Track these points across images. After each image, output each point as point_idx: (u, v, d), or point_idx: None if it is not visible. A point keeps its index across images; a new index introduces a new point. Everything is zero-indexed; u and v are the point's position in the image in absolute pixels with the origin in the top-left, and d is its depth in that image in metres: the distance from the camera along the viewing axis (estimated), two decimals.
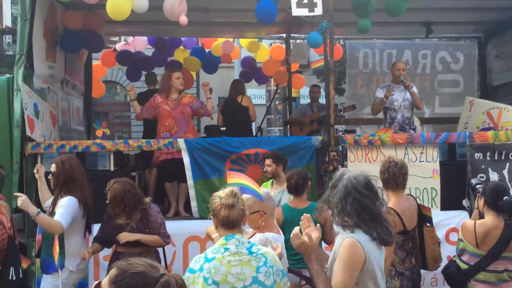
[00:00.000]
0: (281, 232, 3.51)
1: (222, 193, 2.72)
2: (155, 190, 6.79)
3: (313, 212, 4.05)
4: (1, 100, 5.55)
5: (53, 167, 4.17)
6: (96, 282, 1.40)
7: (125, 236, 3.91)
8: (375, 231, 2.42)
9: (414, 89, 6.41)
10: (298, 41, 9.12)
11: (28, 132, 5.17)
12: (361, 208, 2.42)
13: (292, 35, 8.79)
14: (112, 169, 5.78)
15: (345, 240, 2.41)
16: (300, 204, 4.38)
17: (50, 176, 4.20)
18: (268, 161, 5.06)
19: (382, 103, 6.33)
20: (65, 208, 3.91)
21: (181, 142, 5.58)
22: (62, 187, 4.10)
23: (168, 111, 6.02)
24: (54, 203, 4.08)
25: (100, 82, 8.75)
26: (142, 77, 8.46)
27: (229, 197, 2.66)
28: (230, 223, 2.64)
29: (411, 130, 6.31)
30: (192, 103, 6.19)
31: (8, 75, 5.99)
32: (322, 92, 8.00)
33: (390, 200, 3.78)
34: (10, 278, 3.14)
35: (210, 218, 5.95)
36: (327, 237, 4.21)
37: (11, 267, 3.17)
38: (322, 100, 7.83)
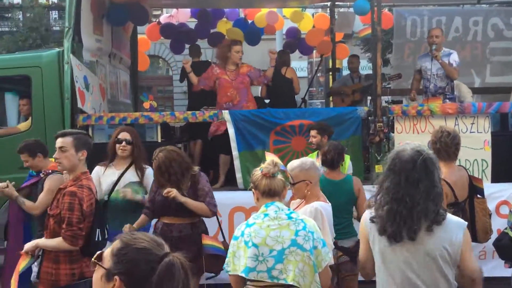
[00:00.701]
0: (328, 201, 3.50)
1: (262, 165, 2.76)
2: (200, 162, 6.92)
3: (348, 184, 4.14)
4: (52, 73, 5.74)
5: (127, 136, 4.30)
6: (98, 252, 1.37)
7: (173, 193, 3.79)
8: None
9: (453, 56, 6.09)
10: (342, 9, 8.90)
11: (79, 104, 5.33)
12: None
13: (336, 3, 8.59)
14: (159, 140, 5.89)
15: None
16: (336, 176, 4.34)
17: (124, 144, 4.28)
18: (313, 132, 5.03)
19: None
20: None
21: (225, 114, 5.62)
22: (143, 155, 4.33)
23: (229, 81, 6.05)
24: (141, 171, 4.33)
25: (145, 55, 8.86)
26: (186, 51, 8.53)
27: (270, 167, 2.70)
28: (271, 193, 2.69)
29: (447, 100, 6.08)
30: (250, 71, 6.22)
31: (57, 49, 6.15)
32: (361, 63, 7.83)
33: (442, 171, 3.68)
34: (96, 239, 3.31)
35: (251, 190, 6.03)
36: (360, 209, 4.21)
37: (97, 229, 3.32)
38: (363, 72, 7.67)
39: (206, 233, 4.13)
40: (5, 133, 5.97)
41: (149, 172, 4.32)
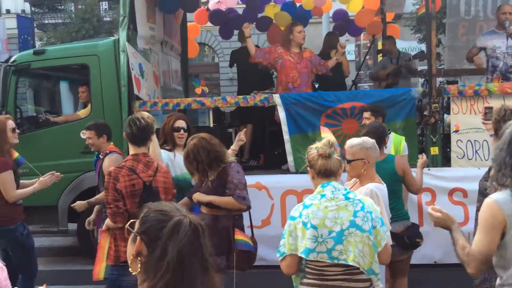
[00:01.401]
0: (383, 182, 3.47)
1: (318, 144, 2.73)
2: (251, 146, 7.02)
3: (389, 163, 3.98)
4: (109, 61, 5.94)
5: (183, 123, 4.42)
6: (132, 221, 1.51)
7: (196, 197, 3.75)
8: None
9: None
10: None
11: (135, 91, 5.50)
12: None
13: None
14: (211, 125, 6.01)
15: (485, 200, 2.24)
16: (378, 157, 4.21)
17: (182, 132, 4.38)
18: (366, 114, 4.96)
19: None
20: None
21: (276, 98, 5.65)
22: None
23: (293, 63, 5.99)
24: None
25: (194, 42, 8.98)
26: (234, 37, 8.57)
27: (326, 147, 2.68)
28: (327, 173, 2.68)
29: None
30: (311, 58, 6.17)
31: (113, 38, 6.35)
32: (411, 44, 7.59)
33: None
34: None
35: (305, 172, 6.01)
36: (412, 188, 4.11)
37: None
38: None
39: (240, 228, 3.90)
40: (66, 120, 6.26)
41: None
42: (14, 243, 4.25)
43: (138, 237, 1.42)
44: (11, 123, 4.32)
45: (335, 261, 2.58)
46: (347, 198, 2.64)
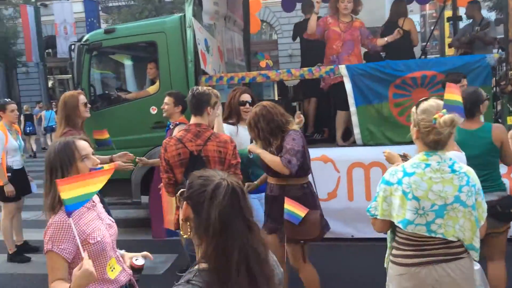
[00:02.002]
0: (461, 150, 3.35)
1: (440, 117, 2.40)
2: (314, 120, 6.97)
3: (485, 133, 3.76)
4: (175, 37, 6.05)
5: (248, 97, 4.47)
6: (182, 190, 1.60)
7: (251, 146, 3.86)
8: None
9: None
10: None
11: (202, 66, 5.59)
12: None
13: None
14: (276, 98, 6.01)
15: None
16: (472, 125, 3.97)
17: (247, 106, 4.42)
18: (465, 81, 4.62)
19: None
20: None
21: (342, 69, 5.55)
22: None
23: (338, 33, 6.01)
24: None
25: (256, 17, 8.96)
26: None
27: (446, 127, 2.40)
28: (436, 145, 2.49)
29: None
30: (361, 28, 6.10)
31: (179, 14, 6.44)
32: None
33: None
34: None
35: (372, 144, 5.82)
36: (507, 160, 3.89)
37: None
38: None
39: (311, 199, 3.85)
40: (136, 96, 6.48)
41: None
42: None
43: (185, 202, 1.52)
44: (82, 98, 4.53)
45: (433, 235, 2.46)
46: (453, 171, 2.47)
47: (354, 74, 5.55)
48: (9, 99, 6.33)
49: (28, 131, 16.51)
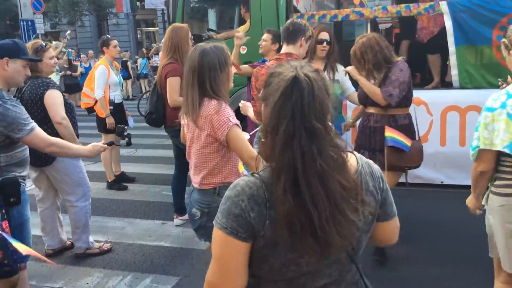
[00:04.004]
0: None
1: None
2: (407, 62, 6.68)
3: None
4: None
5: (326, 35, 4.41)
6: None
7: (349, 68, 3.84)
8: None
9: None
10: None
11: (294, 3, 5.51)
12: None
13: None
14: None
15: None
16: None
17: (325, 44, 4.40)
18: None
19: None
20: None
21: (443, 5, 5.23)
22: (336, 55, 4.50)
23: None
24: (333, 70, 4.50)
25: None
26: None
27: None
28: None
29: None
30: None
31: None
32: None
33: None
34: None
35: (470, 88, 5.52)
36: None
37: None
38: None
39: (408, 129, 3.86)
40: (227, 36, 6.54)
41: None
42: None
43: (263, 104, 1.36)
44: (189, 32, 4.62)
45: None
46: None
47: (455, 11, 5.21)
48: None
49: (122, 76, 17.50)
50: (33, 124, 2.86)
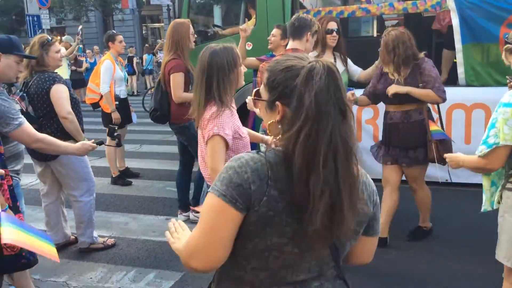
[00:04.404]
0: None
1: None
2: None
3: None
4: None
5: (335, 25, 4.40)
6: (255, 90, 1.44)
7: (394, 88, 3.80)
8: None
9: None
10: None
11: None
12: None
13: None
14: (375, 35, 5.80)
15: None
16: None
17: (334, 34, 4.39)
18: None
19: None
20: None
21: (450, 2, 5.19)
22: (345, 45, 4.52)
23: None
24: (345, 59, 4.55)
25: None
26: None
27: None
28: None
29: None
30: None
31: None
32: None
33: None
34: None
35: (477, 86, 5.52)
36: None
37: None
38: None
39: (421, 125, 3.95)
40: (233, 32, 6.52)
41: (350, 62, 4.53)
42: (191, 138, 4.64)
43: (278, 103, 1.30)
44: (191, 28, 4.62)
45: None
46: None
47: (462, 7, 5.18)
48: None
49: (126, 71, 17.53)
50: (22, 119, 2.88)
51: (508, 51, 2.51)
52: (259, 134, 3.08)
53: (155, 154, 8.02)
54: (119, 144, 3.62)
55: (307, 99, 1.22)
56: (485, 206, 2.64)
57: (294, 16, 3.66)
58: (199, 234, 1.31)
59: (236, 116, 2.67)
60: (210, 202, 1.29)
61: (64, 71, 10.47)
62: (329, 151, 1.21)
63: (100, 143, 3.34)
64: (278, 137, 1.31)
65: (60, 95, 3.88)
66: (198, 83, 2.61)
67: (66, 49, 11.03)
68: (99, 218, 4.92)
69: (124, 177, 6.51)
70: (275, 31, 4.79)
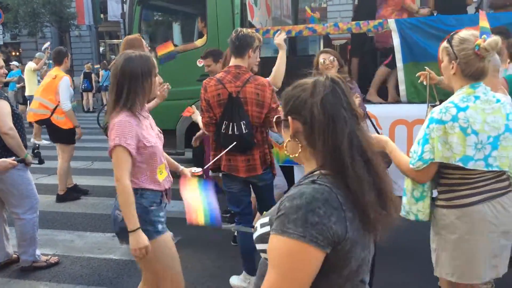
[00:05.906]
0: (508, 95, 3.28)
1: (481, 40, 2.31)
2: (358, 79, 6.89)
3: None
4: None
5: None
6: (276, 116, 1.51)
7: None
8: None
9: None
10: None
11: (249, 17, 5.62)
12: None
13: None
14: None
15: None
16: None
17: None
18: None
19: None
20: None
21: (391, 23, 5.43)
22: None
23: None
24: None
25: None
26: None
27: (491, 47, 2.30)
28: (480, 76, 2.40)
29: None
30: None
31: None
32: None
33: None
34: (224, 131, 3.50)
35: (415, 102, 5.72)
36: None
37: (225, 122, 3.50)
38: None
39: None
40: (184, 49, 6.59)
41: None
42: None
43: (289, 118, 1.37)
44: (144, 42, 4.65)
45: (489, 168, 2.37)
46: (498, 101, 2.41)
47: (403, 28, 5.43)
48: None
49: (83, 87, 17.81)
50: None
51: (445, 51, 2.49)
52: (175, 162, 3.02)
53: (107, 171, 7.90)
54: (41, 161, 3.63)
55: (315, 109, 1.31)
56: (407, 209, 2.61)
57: (234, 34, 3.71)
58: (277, 285, 1.24)
59: (146, 125, 2.61)
60: (284, 248, 1.23)
61: (34, 86, 10.67)
62: (354, 152, 1.30)
63: (20, 160, 3.36)
64: (295, 155, 1.39)
65: (1, 111, 3.83)
66: (110, 88, 2.58)
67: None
68: (44, 236, 4.81)
69: (73, 193, 6.41)
70: (206, 61, 4.90)
